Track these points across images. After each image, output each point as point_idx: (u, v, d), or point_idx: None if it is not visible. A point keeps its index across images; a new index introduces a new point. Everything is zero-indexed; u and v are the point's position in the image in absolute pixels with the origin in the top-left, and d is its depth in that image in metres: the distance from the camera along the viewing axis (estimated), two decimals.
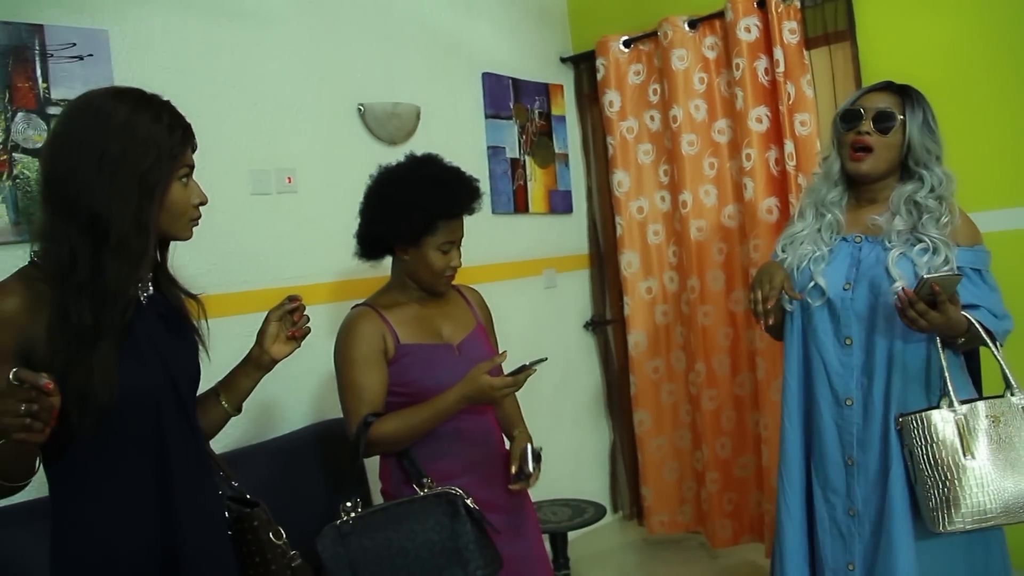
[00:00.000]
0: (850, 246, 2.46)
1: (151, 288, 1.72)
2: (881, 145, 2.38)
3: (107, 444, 1.59)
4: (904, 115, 2.37)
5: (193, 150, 1.72)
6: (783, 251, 2.56)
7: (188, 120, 1.71)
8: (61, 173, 1.58)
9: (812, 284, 2.46)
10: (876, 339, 2.36)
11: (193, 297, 1.83)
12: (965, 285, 2.26)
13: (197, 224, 1.77)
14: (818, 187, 2.56)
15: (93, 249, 1.55)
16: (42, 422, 1.31)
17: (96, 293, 1.54)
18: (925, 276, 2.12)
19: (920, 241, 2.32)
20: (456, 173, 2.47)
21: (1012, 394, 2.20)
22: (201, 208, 1.76)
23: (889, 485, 2.30)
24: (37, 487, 1.58)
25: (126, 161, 1.57)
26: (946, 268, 2.27)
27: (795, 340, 2.53)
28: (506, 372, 2.30)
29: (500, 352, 2.35)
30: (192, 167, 1.72)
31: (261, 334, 1.96)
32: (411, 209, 2.37)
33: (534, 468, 2.40)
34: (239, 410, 1.97)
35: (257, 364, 1.95)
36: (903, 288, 2.17)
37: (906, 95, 2.41)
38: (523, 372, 2.26)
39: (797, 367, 2.53)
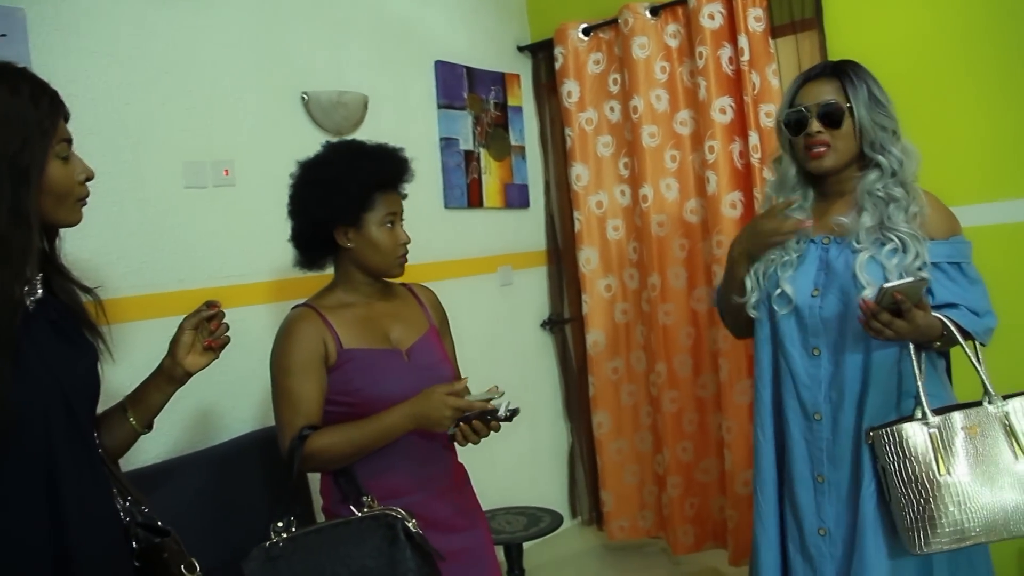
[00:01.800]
0: (818, 249, 2.31)
1: (39, 290, 1.53)
2: (837, 137, 2.24)
3: None
4: (849, 101, 2.22)
5: (66, 119, 1.54)
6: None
7: (54, 87, 1.52)
8: None
9: (779, 291, 2.31)
10: (846, 348, 2.22)
11: (89, 292, 1.64)
12: (942, 282, 2.14)
13: (85, 204, 1.59)
14: (774, 195, 2.42)
15: None
16: None
17: None
18: (885, 286, 1.97)
19: (889, 240, 2.18)
20: (382, 146, 2.34)
21: (990, 402, 2.05)
22: (90, 184, 1.57)
23: (861, 503, 2.16)
24: None
25: None
26: (917, 265, 2.13)
27: (766, 348, 2.39)
28: (476, 403, 2.10)
29: (462, 377, 2.17)
30: (70, 140, 1.53)
31: (174, 344, 1.78)
32: (344, 183, 2.23)
33: (502, 416, 2.09)
34: (149, 427, 1.80)
35: (169, 377, 1.78)
36: (863, 299, 2.03)
37: (843, 74, 2.26)
38: (489, 420, 2.08)
39: (768, 377, 2.38)
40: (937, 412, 2.06)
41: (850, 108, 2.22)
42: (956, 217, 2.28)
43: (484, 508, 2.51)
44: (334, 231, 2.26)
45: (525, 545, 3.61)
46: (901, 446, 2.03)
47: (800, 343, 2.29)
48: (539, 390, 4.58)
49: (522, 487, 4.20)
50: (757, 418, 2.43)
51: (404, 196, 2.38)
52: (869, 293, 2.10)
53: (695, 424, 4.04)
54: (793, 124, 2.28)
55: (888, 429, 2.06)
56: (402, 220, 2.33)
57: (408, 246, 2.33)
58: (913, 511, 2.01)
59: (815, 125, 2.23)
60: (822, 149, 2.24)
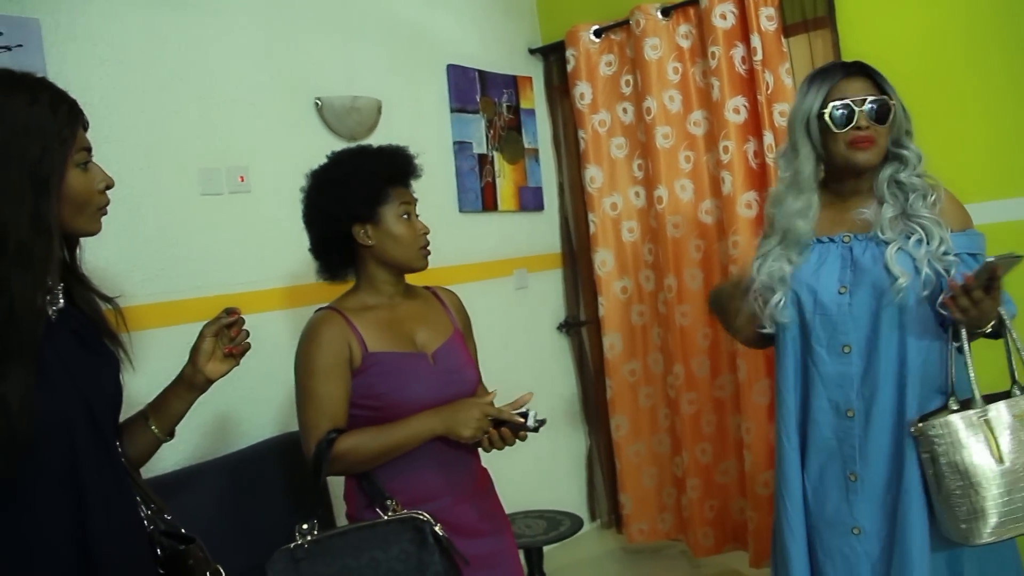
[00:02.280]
0: (839, 247, 2.29)
1: (61, 299, 1.53)
2: (880, 133, 2.22)
3: (12, 484, 1.39)
4: (892, 98, 2.23)
5: (85, 128, 1.54)
6: (758, 271, 2.39)
7: (73, 97, 1.53)
8: None
9: (780, 302, 2.31)
10: (879, 343, 2.20)
11: (110, 301, 1.64)
12: (963, 271, 2.12)
13: (105, 213, 1.58)
14: (781, 197, 2.37)
15: None
16: None
17: None
18: (987, 260, 1.96)
19: (913, 231, 2.17)
20: (387, 145, 2.38)
21: None
22: (109, 193, 1.57)
23: (903, 497, 2.15)
24: None
25: (11, 155, 1.38)
26: (943, 250, 2.14)
27: (789, 352, 2.36)
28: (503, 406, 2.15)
29: (490, 391, 2.19)
30: (89, 149, 1.53)
31: (195, 351, 1.77)
32: (357, 178, 2.26)
33: (531, 427, 2.16)
34: (171, 435, 1.79)
35: (190, 384, 1.77)
36: (963, 275, 2.03)
37: (875, 73, 2.26)
38: (516, 427, 2.13)
39: (793, 382, 2.36)
40: (987, 401, 2.07)
41: (894, 105, 2.22)
42: (966, 210, 2.29)
43: (506, 513, 2.50)
44: (352, 231, 2.27)
45: (545, 548, 3.59)
46: (953, 437, 2.03)
47: (827, 342, 2.27)
48: (556, 393, 4.57)
49: (541, 491, 4.19)
50: (781, 424, 2.39)
51: (413, 192, 2.39)
52: (904, 282, 2.12)
53: (713, 426, 4.02)
54: (841, 118, 2.25)
55: (937, 421, 2.06)
56: (417, 214, 2.35)
57: (428, 236, 2.34)
58: (970, 502, 2.00)
59: (863, 119, 2.22)
60: (870, 144, 2.22)
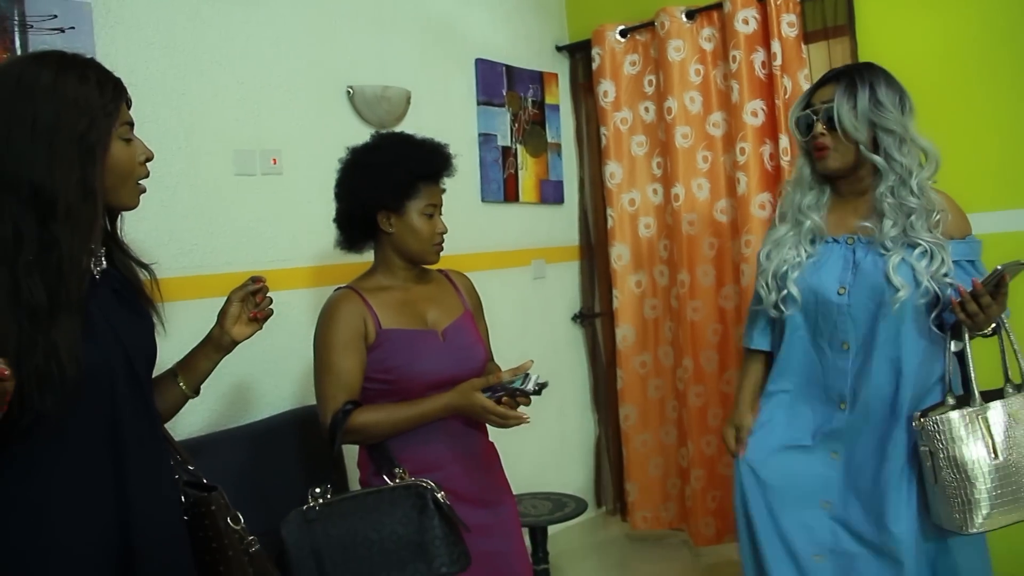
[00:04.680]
0: (843, 248, 2.39)
1: (104, 262, 1.67)
2: (837, 139, 2.32)
3: (59, 425, 1.53)
4: (845, 104, 2.29)
5: (128, 105, 1.67)
6: (767, 258, 2.49)
7: (117, 76, 1.66)
8: None
9: (785, 292, 2.41)
10: (876, 345, 2.31)
11: (146, 267, 1.78)
12: (961, 277, 2.23)
13: (144, 190, 1.72)
14: (791, 194, 2.50)
15: (38, 223, 1.50)
16: None
17: (48, 268, 1.49)
18: (999, 267, 2.07)
19: (917, 245, 2.25)
20: (429, 140, 2.47)
21: (1022, 389, 2.22)
22: (149, 167, 1.71)
23: (888, 484, 2.27)
24: None
25: (61, 126, 1.52)
26: (944, 271, 2.22)
27: (798, 343, 2.47)
28: (507, 379, 2.21)
29: (495, 373, 2.25)
30: (132, 124, 1.67)
31: (222, 314, 1.93)
32: (393, 169, 2.36)
33: (531, 390, 2.17)
34: (197, 392, 1.94)
35: (217, 345, 1.93)
36: (959, 286, 2.14)
37: (846, 76, 2.33)
38: (518, 395, 2.19)
39: (799, 370, 2.47)
40: (985, 399, 2.19)
41: (837, 109, 2.29)
42: (967, 217, 2.38)
43: (513, 492, 2.61)
44: (377, 215, 2.39)
45: (551, 532, 3.70)
46: (952, 432, 2.14)
47: (829, 337, 2.38)
48: (568, 382, 4.66)
49: (549, 476, 4.29)
50: (778, 411, 2.50)
51: (444, 190, 2.49)
52: (904, 295, 2.21)
53: (719, 419, 4.10)
54: (802, 126, 2.38)
55: (938, 417, 2.17)
56: (441, 213, 2.45)
57: (444, 235, 2.45)
58: (965, 494, 2.13)
59: (819, 127, 2.32)
60: (824, 151, 2.33)
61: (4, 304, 1.46)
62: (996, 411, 2.17)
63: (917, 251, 2.25)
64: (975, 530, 2.13)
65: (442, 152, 2.45)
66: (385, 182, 2.36)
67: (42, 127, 1.51)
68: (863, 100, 2.27)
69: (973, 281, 2.11)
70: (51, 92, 1.53)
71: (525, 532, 3.25)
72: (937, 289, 2.23)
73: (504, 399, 2.19)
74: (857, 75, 2.32)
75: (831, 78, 2.38)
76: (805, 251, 2.41)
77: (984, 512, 2.11)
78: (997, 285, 2.07)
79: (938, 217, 2.27)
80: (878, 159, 2.29)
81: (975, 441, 2.13)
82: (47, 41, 2.61)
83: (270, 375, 3.17)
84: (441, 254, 2.48)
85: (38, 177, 1.50)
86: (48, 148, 1.51)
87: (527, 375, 2.18)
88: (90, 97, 1.57)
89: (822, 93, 2.36)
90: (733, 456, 2.56)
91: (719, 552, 4.17)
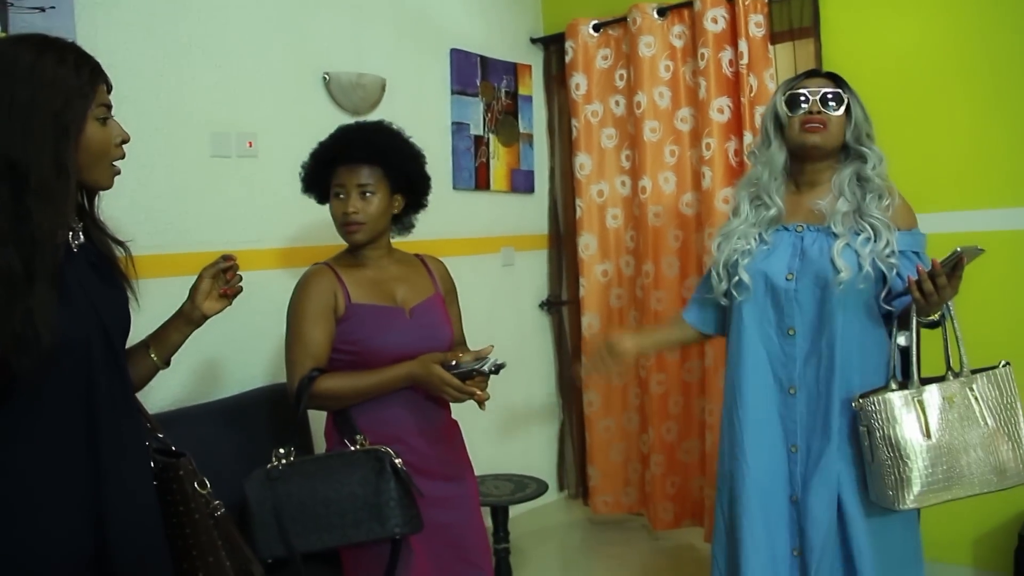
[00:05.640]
0: (792, 235, 2.49)
1: (81, 237, 1.73)
2: (832, 121, 2.43)
3: (36, 390, 1.59)
4: (847, 96, 2.44)
5: (109, 89, 1.73)
6: (717, 248, 2.58)
7: (96, 60, 1.71)
8: None
9: (736, 279, 2.50)
10: (821, 329, 2.41)
11: (121, 244, 1.84)
12: (907, 267, 2.33)
13: (118, 172, 1.77)
14: (758, 176, 2.55)
15: (12, 196, 1.55)
16: None
17: (22, 239, 1.54)
18: (958, 248, 2.15)
19: (863, 229, 2.37)
20: (352, 125, 2.61)
21: (960, 375, 2.30)
22: (126, 147, 1.76)
23: (828, 465, 2.37)
24: None
25: (37, 105, 1.58)
26: (887, 252, 2.33)
27: (747, 330, 2.53)
28: (465, 360, 2.34)
29: (464, 343, 2.35)
30: (109, 106, 1.72)
31: (194, 289, 2.02)
32: (311, 161, 2.56)
33: (487, 370, 2.31)
34: (167, 363, 2.02)
35: (188, 319, 2.02)
36: (919, 266, 2.23)
37: (839, 78, 2.49)
38: (476, 374, 2.30)
39: (752, 356, 2.53)
40: (923, 383, 2.29)
41: (848, 101, 2.43)
42: (915, 213, 2.50)
43: (475, 474, 2.70)
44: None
45: (513, 515, 3.76)
46: (889, 412, 2.25)
47: (775, 323, 2.48)
48: (534, 368, 4.74)
49: (513, 459, 4.35)
50: (739, 395, 2.54)
51: (367, 174, 2.48)
52: (846, 276, 2.31)
53: (680, 406, 4.22)
54: (793, 103, 2.46)
55: (877, 397, 2.28)
56: (363, 194, 2.47)
57: (356, 217, 2.46)
58: (898, 472, 2.23)
59: (816, 105, 2.42)
60: (818, 126, 2.43)
61: None
62: (932, 393, 2.27)
63: (862, 237, 2.36)
64: (906, 507, 2.24)
65: (348, 136, 2.54)
66: (306, 174, 2.56)
67: (19, 106, 1.57)
68: (858, 100, 2.46)
69: (932, 261, 2.19)
70: (30, 73, 1.59)
71: (486, 512, 3.32)
72: (884, 269, 2.34)
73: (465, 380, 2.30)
74: (846, 83, 2.48)
75: (818, 74, 2.54)
76: (756, 239, 2.50)
77: (916, 490, 2.22)
78: (954, 267, 2.16)
79: (888, 202, 2.40)
80: (866, 150, 2.44)
81: (910, 422, 2.24)
82: (27, 20, 2.66)
83: (240, 353, 3.24)
84: (360, 236, 2.49)
85: (13, 153, 1.55)
86: (23, 126, 1.57)
87: (487, 358, 2.30)
88: (67, 78, 1.63)
89: (812, 83, 2.47)
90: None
91: (677, 536, 4.27)
